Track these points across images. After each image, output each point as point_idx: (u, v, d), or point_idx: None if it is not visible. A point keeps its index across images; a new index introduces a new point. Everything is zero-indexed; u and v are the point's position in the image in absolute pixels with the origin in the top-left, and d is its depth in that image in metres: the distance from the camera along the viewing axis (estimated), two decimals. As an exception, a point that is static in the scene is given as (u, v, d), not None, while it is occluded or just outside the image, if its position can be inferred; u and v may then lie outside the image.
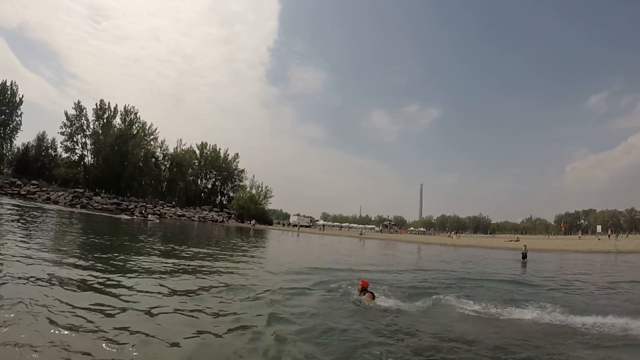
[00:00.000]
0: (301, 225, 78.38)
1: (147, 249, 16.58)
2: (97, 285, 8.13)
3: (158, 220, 48.18)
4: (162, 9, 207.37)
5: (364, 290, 8.95)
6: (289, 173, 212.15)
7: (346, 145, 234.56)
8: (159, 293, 8.00)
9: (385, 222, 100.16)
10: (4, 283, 7.18)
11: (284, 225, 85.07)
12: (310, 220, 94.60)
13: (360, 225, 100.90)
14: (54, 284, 7.66)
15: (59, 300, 6.45)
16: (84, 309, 6.12)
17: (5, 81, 62.23)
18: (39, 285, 7.41)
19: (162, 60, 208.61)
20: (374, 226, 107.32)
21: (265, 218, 77.57)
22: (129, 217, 47.15)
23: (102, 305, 6.52)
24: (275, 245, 30.46)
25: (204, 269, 12.22)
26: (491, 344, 6.03)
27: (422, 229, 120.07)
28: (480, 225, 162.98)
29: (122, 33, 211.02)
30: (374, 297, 8.76)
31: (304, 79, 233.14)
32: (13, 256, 10.07)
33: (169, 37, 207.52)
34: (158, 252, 16.07)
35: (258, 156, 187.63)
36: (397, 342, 5.94)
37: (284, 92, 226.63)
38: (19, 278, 7.69)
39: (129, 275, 9.68)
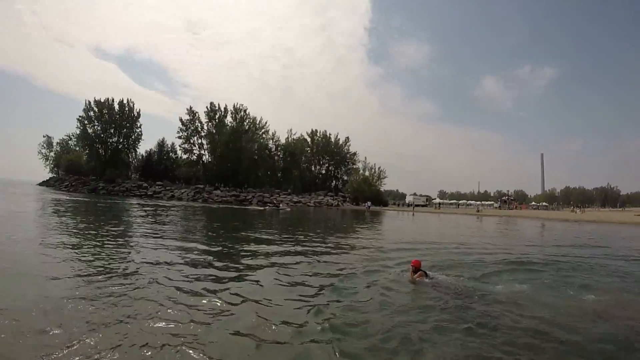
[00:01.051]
0: (416, 205, 74.66)
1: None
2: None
3: (289, 209, 49.16)
4: (256, 10, 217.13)
5: (416, 270, 8.77)
6: (402, 152, 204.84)
7: (459, 118, 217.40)
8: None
9: (504, 198, 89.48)
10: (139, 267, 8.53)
11: (399, 205, 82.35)
12: (427, 199, 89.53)
13: (478, 202, 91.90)
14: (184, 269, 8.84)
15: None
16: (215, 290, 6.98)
17: (122, 99, 71.42)
18: (166, 268, 8.61)
19: (265, 57, 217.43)
20: (492, 202, 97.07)
21: (381, 199, 75.16)
22: (262, 208, 48.69)
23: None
24: (387, 226, 29.79)
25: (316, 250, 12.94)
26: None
27: (544, 203, 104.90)
28: (608, 198, 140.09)
29: (222, 39, 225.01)
30: (426, 276, 8.66)
31: (406, 54, 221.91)
32: (146, 246, 11.75)
33: (268, 34, 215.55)
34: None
35: (369, 137, 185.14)
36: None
37: (388, 70, 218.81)
38: (153, 263, 9.09)
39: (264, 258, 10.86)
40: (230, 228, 21.06)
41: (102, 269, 8.25)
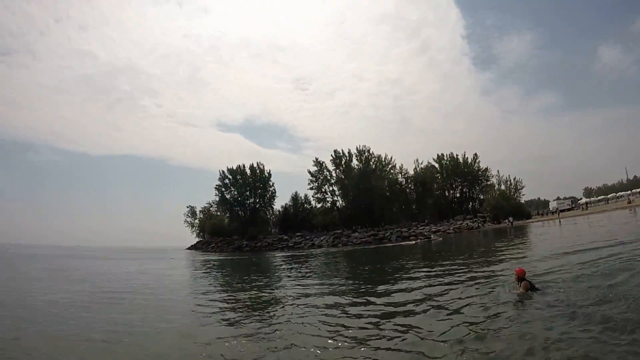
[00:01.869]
0: (561, 210, 67.41)
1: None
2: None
3: (441, 239, 48.35)
4: (353, 52, 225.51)
5: (520, 279, 8.49)
6: (534, 154, 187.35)
7: (584, 102, 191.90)
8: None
9: None
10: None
11: (541, 214, 74.85)
12: (572, 202, 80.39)
13: (627, 192, 79.34)
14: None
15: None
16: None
17: (252, 163, 77.62)
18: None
19: (374, 94, 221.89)
20: None
21: (522, 211, 68.77)
22: (413, 242, 48.44)
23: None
24: (530, 240, 28.51)
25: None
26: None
27: None
28: None
29: (329, 88, 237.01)
30: (530, 288, 8.32)
31: (511, 50, 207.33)
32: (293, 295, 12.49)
33: (371, 71, 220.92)
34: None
35: (495, 148, 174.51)
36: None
37: (497, 72, 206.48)
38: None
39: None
40: (386, 266, 21.52)
41: (270, 315, 9.76)
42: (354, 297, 11.22)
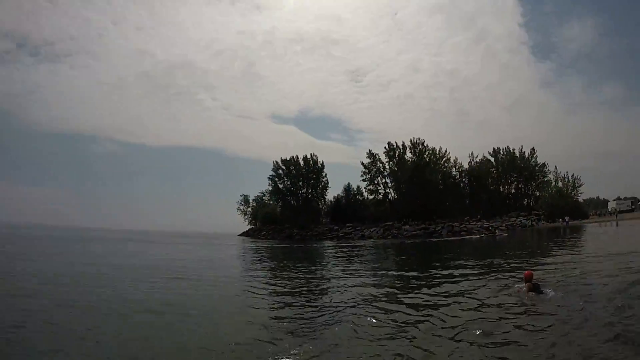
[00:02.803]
0: (620, 212, 64.64)
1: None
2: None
3: (506, 234, 48.77)
4: (408, 43, 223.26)
5: (527, 281, 8.90)
6: (596, 151, 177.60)
7: None
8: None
9: None
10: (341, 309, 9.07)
11: (600, 215, 72.53)
12: (632, 202, 76.80)
13: None
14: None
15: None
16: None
17: (306, 155, 79.59)
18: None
19: (430, 86, 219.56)
20: None
21: (579, 211, 66.91)
22: (478, 237, 48.58)
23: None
24: (582, 242, 27.56)
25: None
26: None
27: None
28: None
29: (384, 80, 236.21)
30: (534, 289, 8.68)
31: (572, 37, 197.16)
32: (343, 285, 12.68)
33: (427, 62, 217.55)
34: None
35: (555, 142, 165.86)
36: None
37: (559, 62, 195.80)
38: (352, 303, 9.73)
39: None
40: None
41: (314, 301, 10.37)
42: (400, 289, 11.73)
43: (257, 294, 11.73)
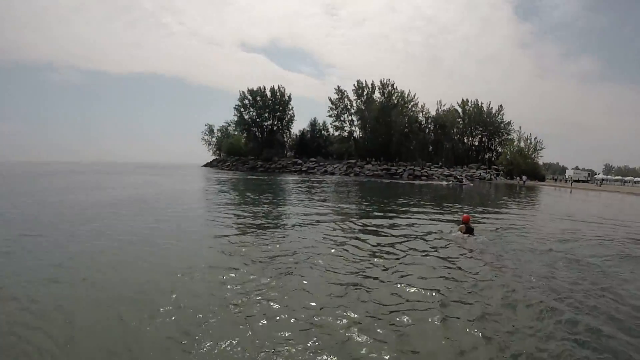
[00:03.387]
0: (575, 181, 66.71)
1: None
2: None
3: (472, 184, 49.74)
4: None
5: (463, 224, 9.65)
6: (562, 119, 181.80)
7: (627, 77, 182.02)
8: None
9: None
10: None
11: (557, 180, 74.36)
12: (588, 175, 79.46)
13: None
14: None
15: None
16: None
17: (273, 86, 77.02)
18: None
19: (407, 29, 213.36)
20: None
21: (537, 173, 68.38)
22: (445, 184, 49.13)
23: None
24: (534, 203, 26.43)
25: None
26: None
27: None
28: None
29: (360, 16, 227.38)
30: (468, 232, 9.46)
31: (557, 5, 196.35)
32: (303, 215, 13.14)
33: (406, 4, 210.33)
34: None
35: (524, 104, 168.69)
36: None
37: (540, 26, 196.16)
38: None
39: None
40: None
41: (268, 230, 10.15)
42: (355, 224, 11.62)
43: (220, 224, 11.20)
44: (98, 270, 6.19)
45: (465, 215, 10.31)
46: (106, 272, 6.12)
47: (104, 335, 4.00)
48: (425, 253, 8.00)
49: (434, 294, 5.40)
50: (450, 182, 50.91)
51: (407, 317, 4.58)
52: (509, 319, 4.65)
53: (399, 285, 5.77)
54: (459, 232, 9.57)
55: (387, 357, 3.69)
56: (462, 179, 56.04)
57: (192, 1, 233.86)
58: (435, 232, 10.36)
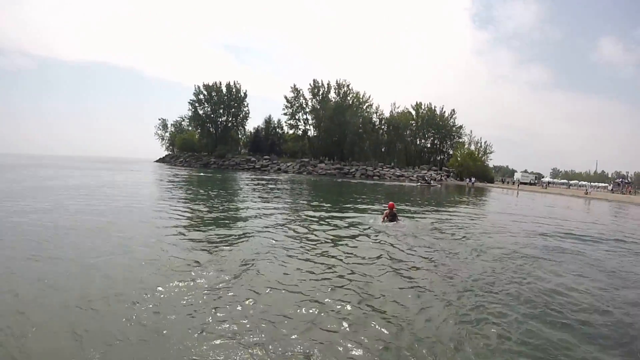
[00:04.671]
0: (521, 183, 69.07)
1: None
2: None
3: (440, 185, 51.47)
4: None
5: (388, 210, 10.67)
6: (513, 124, 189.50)
7: (575, 86, 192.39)
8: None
9: (617, 180, 79.15)
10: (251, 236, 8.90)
11: (505, 182, 76.90)
12: (535, 177, 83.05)
13: (590, 183, 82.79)
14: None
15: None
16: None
17: (229, 82, 74.90)
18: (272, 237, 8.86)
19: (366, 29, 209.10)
20: (606, 184, 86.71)
21: (486, 175, 70.91)
22: (414, 184, 49.63)
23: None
24: (478, 203, 27.46)
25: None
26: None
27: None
28: None
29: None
30: (392, 219, 10.48)
31: (513, 16, 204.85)
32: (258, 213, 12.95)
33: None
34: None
35: (477, 108, 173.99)
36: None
37: (495, 34, 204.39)
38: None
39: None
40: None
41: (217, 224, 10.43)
42: (308, 221, 11.71)
43: (170, 218, 10.94)
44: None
45: (390, 202, 11.18)
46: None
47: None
48: (350, 238, 8.97)
49: (328, 269, 6.26)
50: (419, 183, 51.36)
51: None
52: (385, 291, 5.29)
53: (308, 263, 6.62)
54: (383, 218, 10.71)
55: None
56: (431, 180, 56.90)
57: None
58: (364, 223, 11.16)
